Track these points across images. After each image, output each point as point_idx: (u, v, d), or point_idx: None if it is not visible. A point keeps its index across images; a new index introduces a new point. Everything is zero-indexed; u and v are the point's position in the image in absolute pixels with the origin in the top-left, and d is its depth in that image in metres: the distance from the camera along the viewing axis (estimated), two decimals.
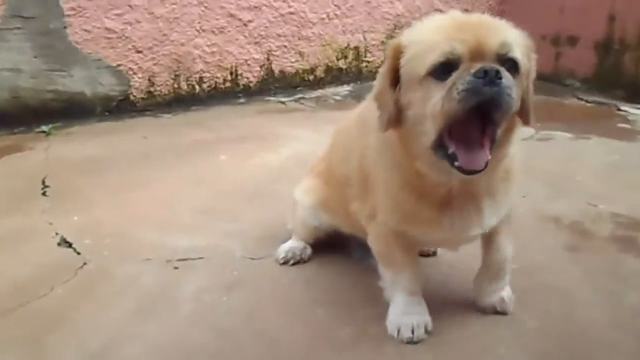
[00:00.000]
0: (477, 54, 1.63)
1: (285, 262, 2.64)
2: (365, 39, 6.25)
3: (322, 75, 6.00)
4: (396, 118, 1.78)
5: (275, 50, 5.72)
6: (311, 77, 5.93)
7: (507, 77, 1.61)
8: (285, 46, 5.76)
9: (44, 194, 3.55)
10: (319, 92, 5.84)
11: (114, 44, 5.00)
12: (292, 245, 2.69)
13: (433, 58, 1.64)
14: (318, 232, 2.63)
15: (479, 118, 1.66)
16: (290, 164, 3.93)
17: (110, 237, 2.94)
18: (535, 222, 3.03)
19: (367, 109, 2.03)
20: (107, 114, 5.18)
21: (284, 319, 2.25)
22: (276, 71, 5.79)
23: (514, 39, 1.70)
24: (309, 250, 2.69)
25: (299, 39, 5.81)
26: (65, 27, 4.83)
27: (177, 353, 2.06)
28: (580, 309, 2.27)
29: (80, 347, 2.10)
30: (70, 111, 4.97)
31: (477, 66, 1.59)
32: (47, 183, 3.69)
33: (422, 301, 2.19)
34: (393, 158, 1.90)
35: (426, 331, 2.11)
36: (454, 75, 1.62)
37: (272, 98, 5.67)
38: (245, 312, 2.30)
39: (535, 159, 3.91)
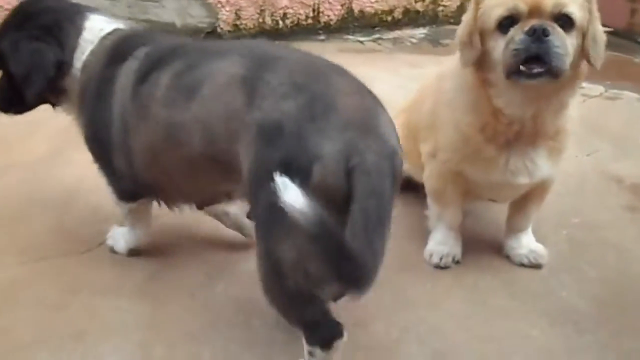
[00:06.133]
0: (535, 11, 1.91)
1: None
2: None
3: (400, 16, 6.03)
4: (479, 59, 2.06)
5: None
6: (389, 18, 5.99)
7: (557, 34, 1.89)
8: None
9: None
10: (396, 34, 5.90)
11: None
12: None
13: (499, 12, 1.95)
14: None
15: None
16: None
17: None
18: (598, 181, 3.18)
19: (445, 67, 2.33)
20: None
21: None
22: (356, 10, 5.88)
23: None
24: None
25: None
26: None
27: None
28: (635, 264, 2.50)
29: None
30: None
31: (531, 23, 1.89)
32: None
33: (458, 236, 2.49)
34: (468, 99, 2.15)
35: (454, 261, 2.44)
36: (512, 30, 1.93)
37: (350, 37, 5.79)
38: None
39: (602, 117, 3.99)
